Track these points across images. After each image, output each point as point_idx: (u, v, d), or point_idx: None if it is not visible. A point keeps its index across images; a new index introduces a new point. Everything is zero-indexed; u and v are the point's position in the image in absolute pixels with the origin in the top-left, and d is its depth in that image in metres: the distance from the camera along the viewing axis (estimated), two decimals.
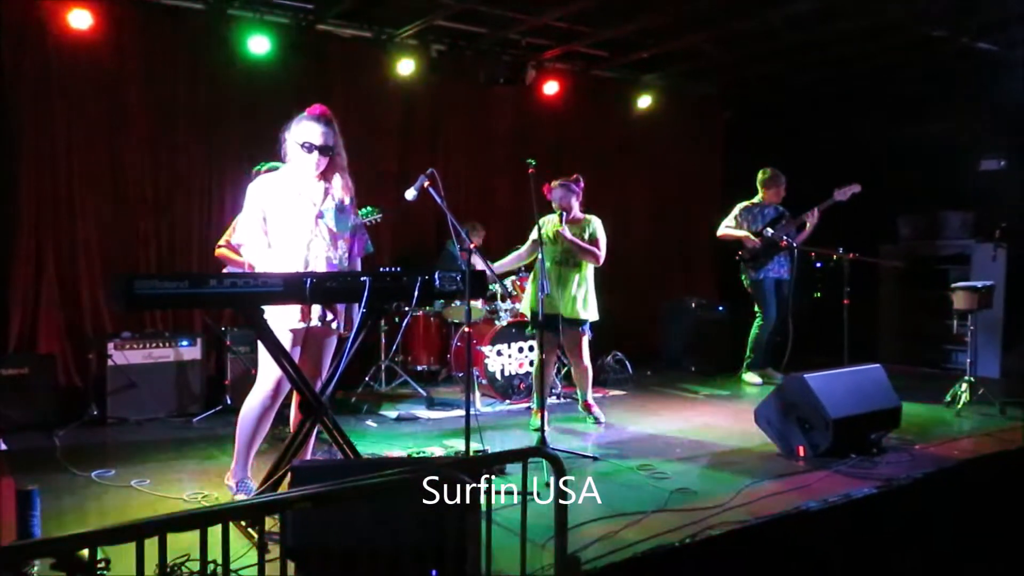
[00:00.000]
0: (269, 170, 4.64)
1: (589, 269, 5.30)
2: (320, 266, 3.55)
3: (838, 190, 6.48)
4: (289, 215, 3.55)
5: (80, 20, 5.53)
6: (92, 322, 5.88)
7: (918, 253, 7.94)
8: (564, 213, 5.19)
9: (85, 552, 1.78)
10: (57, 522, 3.35)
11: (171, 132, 6.17)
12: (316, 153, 3.56)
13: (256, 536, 2.86)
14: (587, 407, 5.50)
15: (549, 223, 5.25)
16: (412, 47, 6.95)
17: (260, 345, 3.55)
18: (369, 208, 5.31)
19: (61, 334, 5.79)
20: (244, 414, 3.64)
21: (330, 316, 3.60)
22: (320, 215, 3.59)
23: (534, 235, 5.15)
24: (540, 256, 4.69)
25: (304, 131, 3.56)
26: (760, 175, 6.86)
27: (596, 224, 5.26)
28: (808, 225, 6.62)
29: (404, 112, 7.29)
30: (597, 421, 5.42)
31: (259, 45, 6.15)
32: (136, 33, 5.93)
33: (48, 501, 3.33)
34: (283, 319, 3.47)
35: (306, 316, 3.52)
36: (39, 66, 5.64)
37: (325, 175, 3.64)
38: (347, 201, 3.70)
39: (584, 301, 5.24)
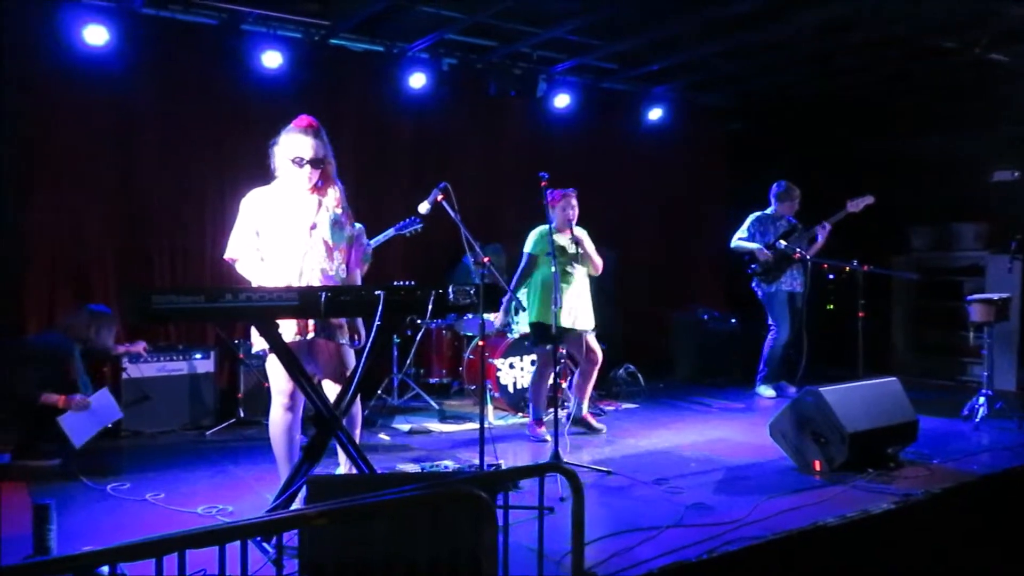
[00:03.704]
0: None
1: (585, 279, 5.35)
2: (315, 279, 3.52)
3: (851, 201, 6.47)
4: (283, 229, 3.52)
5: (95, 36, 5.57)
6: None
7: (931, 265, 7.90)
8: (569, 223, 5.23)
9: (105, 568, 1.78)
10: (73, 536, 3.35)
11: (184, 147, 6.20)
12: (308, 167, 3.53)
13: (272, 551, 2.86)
14: (583, 419, 5.49)
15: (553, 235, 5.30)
16: (423, 61, 6.98)
17: (269, 359, 3.56)
18: (414, 218, 5.41)
19: None
20: (271, 433, 3.63)
21: (314, 327, 3.51)
22: (314, 227, 3.57)
23: (534, 248, 5.18)
24: (553, 269, 4.69)
25: (293, 145, 3.52)
26: (775, 188, 6.85)
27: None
28: (820, 237, 6.60)
29: (415, 125, 7.31)
30: (597, 431, 5.43)
31: (272, 60, 6.19)
32: (150, 49, 5.97)
33: (63, 515, 3.33)
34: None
35: (302, 331, 3.49)
36: (54, 81, 5.69)
37: (317, 186, 3.61)
38: (340, 212, 3.66)
39: (583, 312, 5.30)
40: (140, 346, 5.53)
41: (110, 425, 5.00)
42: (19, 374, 4.62)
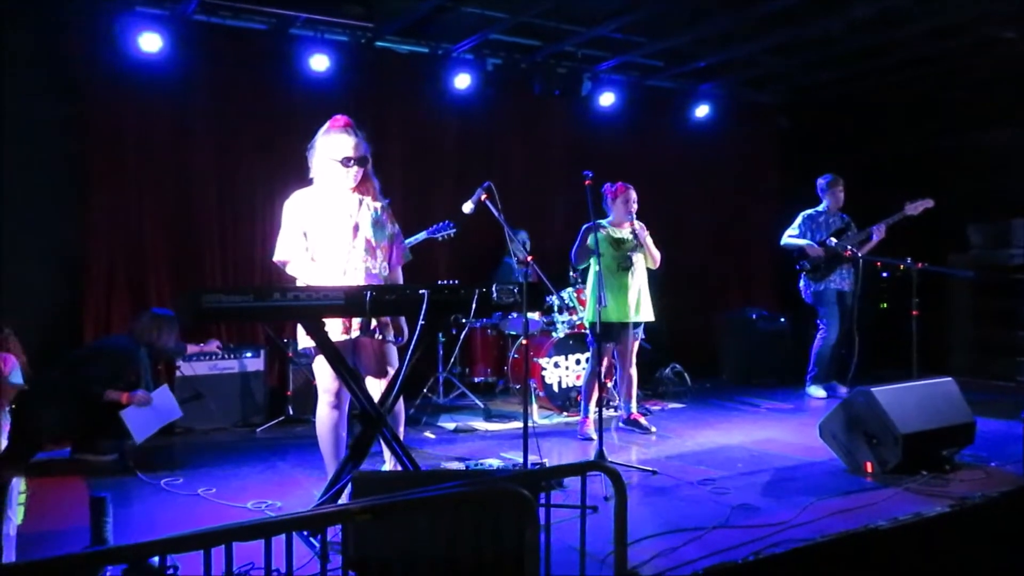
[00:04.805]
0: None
1: (644, 270, 5.33)
2: (359, 277, 3.56)
3: (909, 204, 6.28)
4: (326, 229, 3.57)
5: (150, 43, 5.71)
6: None
7: (990, 262, 7.65)
8: (628, 216, 5.26)
9: (156, 559, 1.83)
10: (128, 528, 3.45)
11: (235, 150, 6.34)
12: (355, 166, 3.58)
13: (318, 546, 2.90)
14: (634, 419, 5.47)
15: (606, 230, 5.28)
16: (468, 61, 7.02)
17: (316, 358, 3.61)
18: (448, 222, 5.45)
19: None
20: (318, 430, 3.68)
21: (373, 325, 3.58)
22: (356, 226, 3.61)
23: (590, 243, 5.15)
24: (597, 267, 4.67)
25: (337, 145, 3.56)
26: (822, 181, 6.74)
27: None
28: (875, 237, 6.44)
29: (460, 126, 7.35)
30: (647, 430, 5.40)
31: (319, 63, 6.28)
32: (202, 55, 6.11)
33: (119, 508, 3.44)
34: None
35: (347, 330, 3.53)
36: (110, 89, 5.85)
37: (358, 185, 3.66)
38: (380, 209, 3.71)
39: (645, 303, 5.33)
40: (213, 344, 5.68)
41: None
42: (86, 372, 4.78)
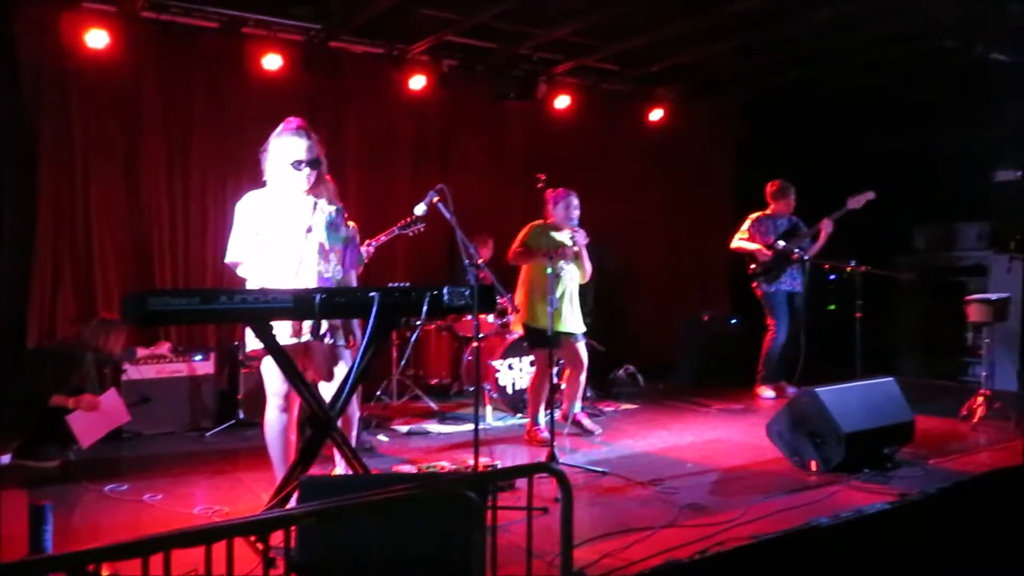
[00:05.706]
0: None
1: (576, 281, 5.28)
2: (311, 280, 3.54)
3: (851, 198, 6.45)
4: (279, 232, 3.53)
5: (97, 40, 5.61)
6: None
7: (934, 265, 7.87)
8: (569, 222, 5.14)
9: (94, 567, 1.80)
10: (69, 537, 3.37)
11: (186, 149, 6.23)
12: (307, 169, 3.55)
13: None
14: (576, 421, 5.47)
15: (548, 235, 5.19)
16: (423, 62, 7.01)
17: (264, 360, 3.57)
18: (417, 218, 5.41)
19: None
20: (267, 434, 3.64)
21: (323, 328, 3.55)
22: (309, 229, 3.59)
23: (529, 242, 5.13)
24: (549, 270, 4.69)
25: (289, 148, 3.53)
26: (769, 187, 6.85)
27: None
28: (822, 235, 6.59)
29: (416, 127, 7.33)
30: (591, 432, 5.41)
31: (272, 62, 6.22)
32: (152, 52, 6.01)
33: (61, 516, 3.36)
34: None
35: (297, 332, 3.51)
36: (57, 84, 5.71)
37: (312, 187, 3.63)
38: (335, 212, 3.69)
39: (577, 313, 5.26)
40: (164, 347, 5.58)
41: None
42: (32, 377, 4.67)
